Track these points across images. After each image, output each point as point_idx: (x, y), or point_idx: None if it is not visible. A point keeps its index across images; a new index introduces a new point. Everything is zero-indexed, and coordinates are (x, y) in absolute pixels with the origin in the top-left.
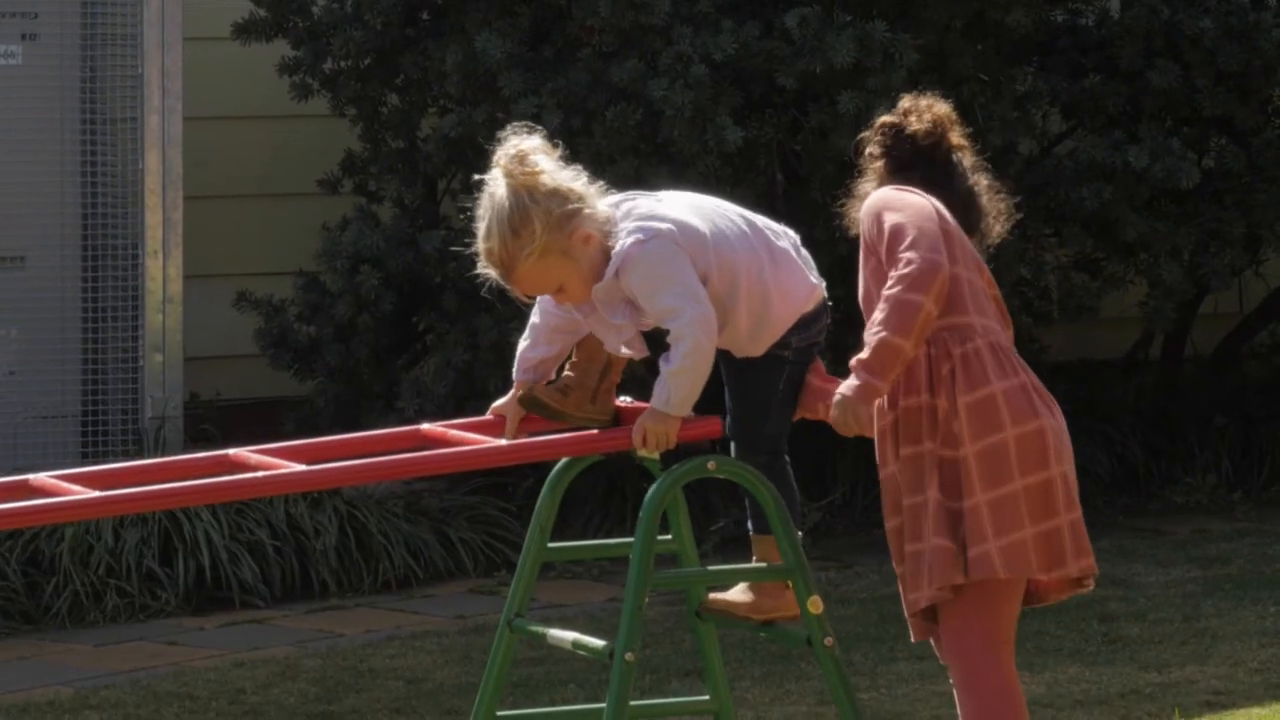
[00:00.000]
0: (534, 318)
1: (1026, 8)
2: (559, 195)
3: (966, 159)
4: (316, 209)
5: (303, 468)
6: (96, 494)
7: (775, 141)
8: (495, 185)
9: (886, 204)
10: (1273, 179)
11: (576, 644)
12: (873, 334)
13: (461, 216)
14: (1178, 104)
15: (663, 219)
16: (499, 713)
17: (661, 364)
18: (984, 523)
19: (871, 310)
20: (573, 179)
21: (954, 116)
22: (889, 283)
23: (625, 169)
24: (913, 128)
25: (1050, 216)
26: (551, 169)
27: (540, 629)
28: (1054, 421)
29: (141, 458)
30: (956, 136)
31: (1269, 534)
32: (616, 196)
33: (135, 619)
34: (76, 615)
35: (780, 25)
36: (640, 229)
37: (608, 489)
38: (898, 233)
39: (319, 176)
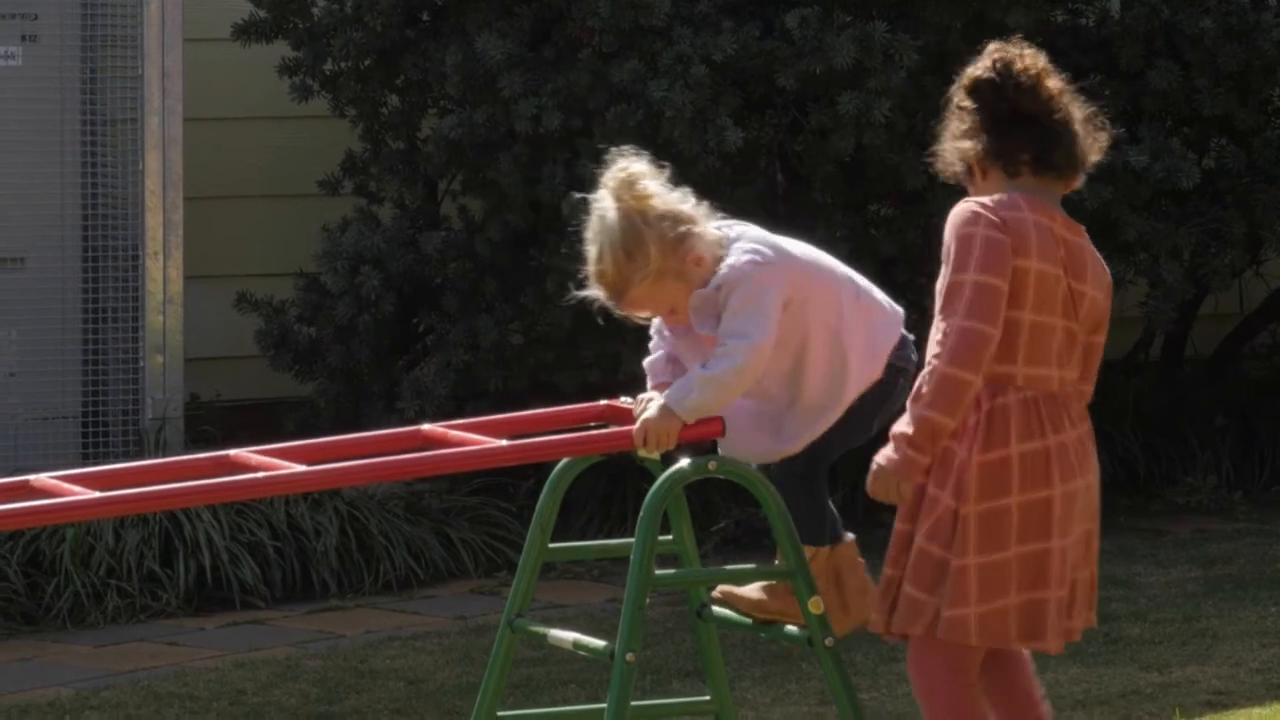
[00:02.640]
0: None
1: (1026, 8)
2: (671, 218)
3: (1064, 99)
4: (317, 210)
5: (303, 468)
6: (97, 495)
7: (776, 142)
8: (605, 209)
9: (959, 239)
10: (1273, 179)
11: (577, 644)
12: (918, 409)
13: (461, 217)
14: (1178, 104)
15: (775, 248)
16: (500, 713)
17: (698, 367)
18: (969, 586)
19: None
20: (681, 200)
21: (1047, 63)
22: (935, 348)
23: None
24: (1017, 70)
25: None
26: (661, 191)
27: (541, 629)
28: (1068, 488)
29: (142, 458)
30: (1054, 81)
31: (1269, 534)
32: (721, 220)
33: (136, 620)
34: (77, 616)
35: (780, 26)
36: (757, 251)
37: (609, 489)
38: (955, 291)
39: (319, 177)
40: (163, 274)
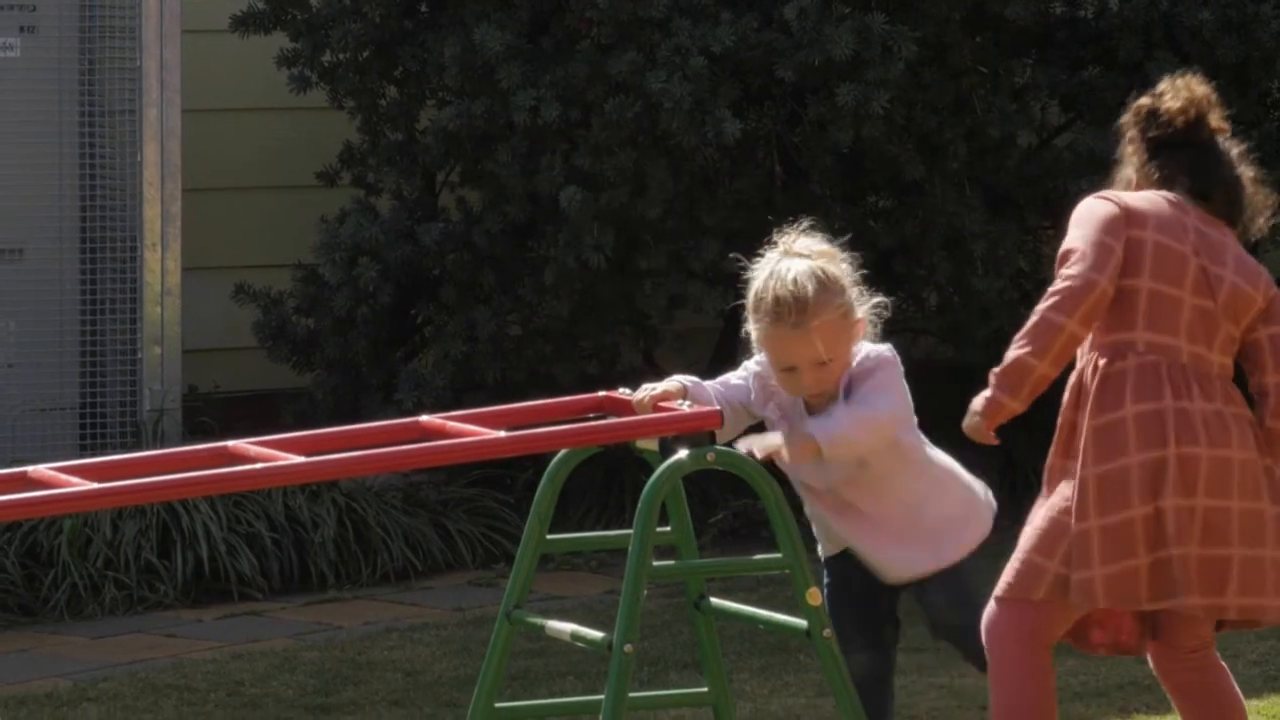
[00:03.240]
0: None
1: (1026, 1)
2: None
3: (1231, 146)
4: (315, 201)
5: (301, 460)
6: (95, 486)
7: (774, 134)
8: (801, 259)
9: (1075, 219)
10: (1272, 170)
11: (575, 636)
12: (1014, 348)
13: (459, 209)
14: None
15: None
16: (497, 704)
17: (846, 403)
18: (1093, 549)
19: None
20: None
21: (1213, 98)
22: (1045, 296)
23: (624, 161)
24: (1166, 106)
25: (1049, 208)
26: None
27: (539, 621)
28: (1186, 451)
29: (140, 450)
30: (1216, 119)
31: None
32: None
33: (133, 611)
34: (75, 607)
35: (779, 17)
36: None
37: (606, 481)
38: (1067, 254)
39: (317, 169)
40: (161, 265)
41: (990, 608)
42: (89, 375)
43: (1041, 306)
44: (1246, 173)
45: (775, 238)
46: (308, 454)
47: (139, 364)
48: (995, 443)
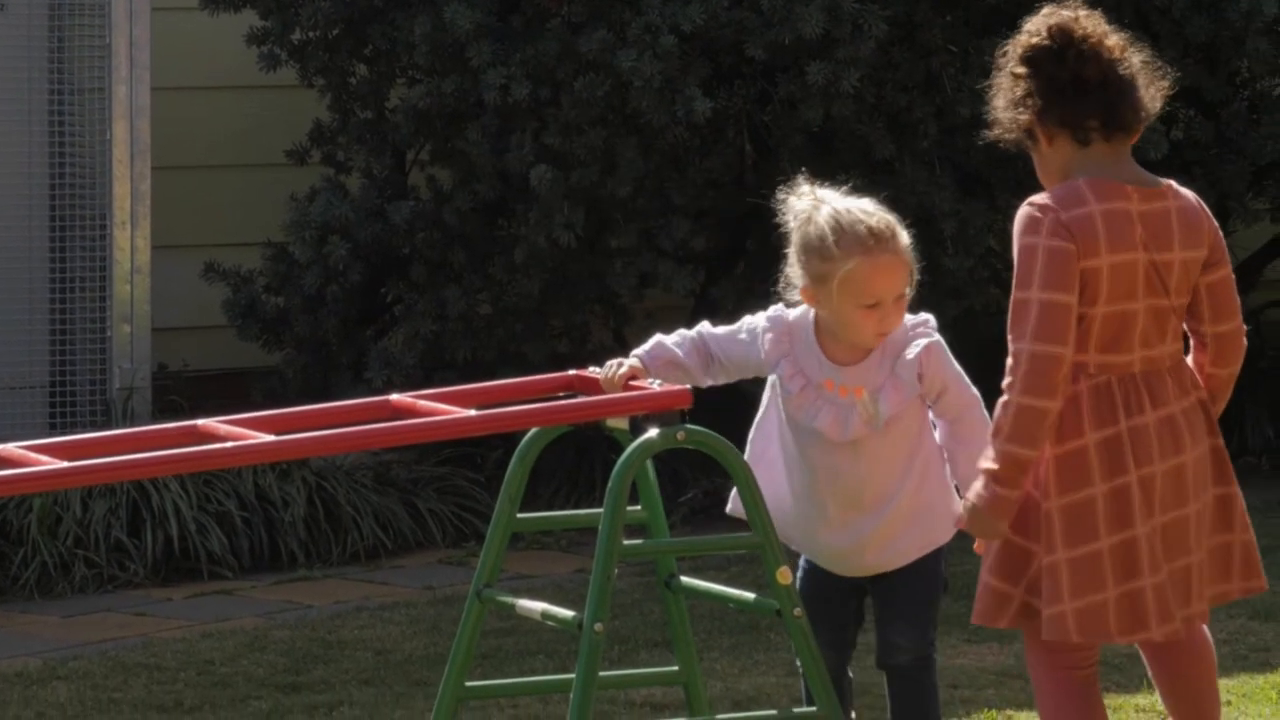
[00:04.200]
0: (704, 339)
1: None
2: None
3: (1124, 55)
4: (285, 180)
5: (271, 438)
6: (64, 464)
7: (744, 112)
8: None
9: (1024, 254)
10: (1241, 151)
11: (545, 615)
12: (999, 443)
13: (429, 187)
14: None
15: None
16: (468, 683)
17: (953, 429)
18: (1062, 582)
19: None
20: None
21: (1105, 26)
22: (1008, 375)
23: (594, 140)
24: (1072, 44)
25: (1019, 188)
26: None
27: (509, 599)
28: (1144, 472)
29: (109, 428)
30: (1113, 40)
31: None
32: None
33: (103, 590)
34: (45, 586)
35: None
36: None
37: (577, 460)
38: (1021, 311)
39: (287, 147)
40: (130, 243)
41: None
42: (58, 354)
43: (1015, 395)
44: (1138, 67)
45: (785, 192)
46: (277, 432)
47: (108, 342)
48: (1004, 538)
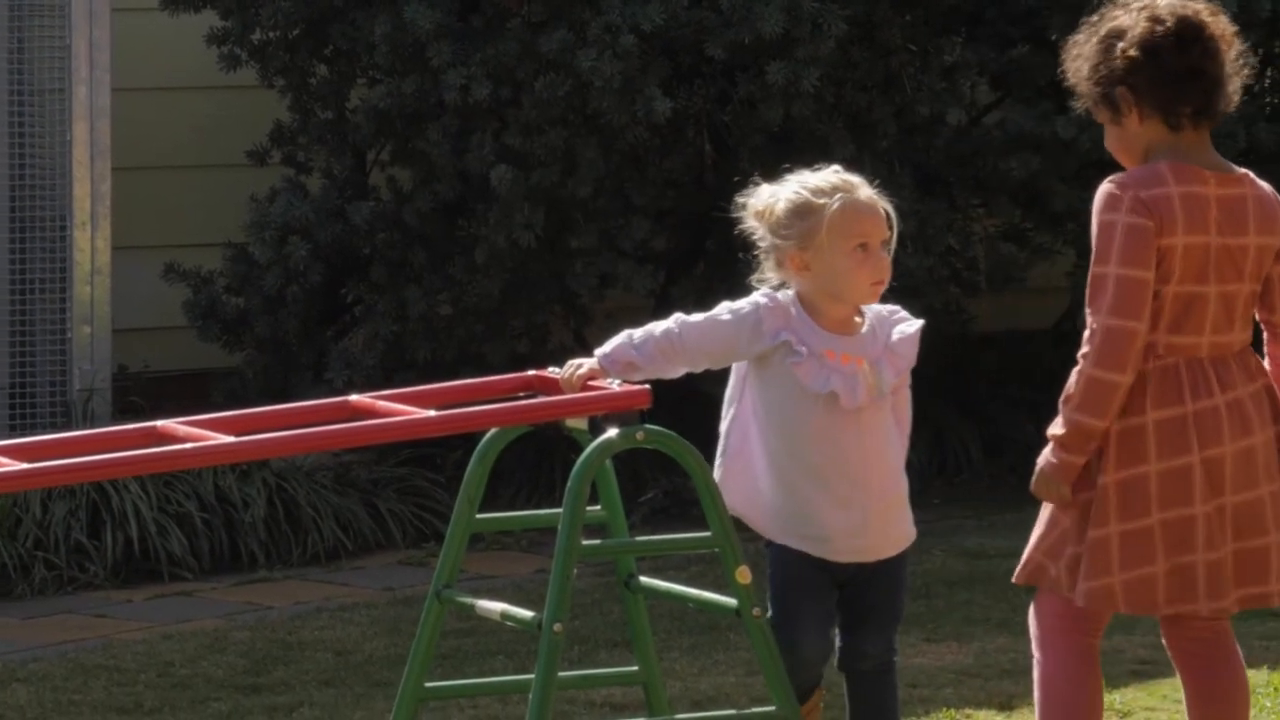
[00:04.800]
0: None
1: None
2: None
3: (1230, 50)
4: (245, 180)
5: (231, 439)
6: (24, 466)
7: (704, 112)
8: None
9: (1104, 229)
10: None
11: (505, 615)
12: (1068, 411)
13: (389, 188)
14: None
15: None
16: (428, 683)
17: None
18: (1111, 555)
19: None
20: None
21: (1228, 21)
22: (1084, 346)
23: (554, 140)
24: (1200, 40)
25: (978, 187)
26: None
27: (469, 600)
28: (1211, 454)
29: (70, 429)
30: (1232, 35)
31: None
32: None
33: (63, 592)
34: (4, 588)
35: None
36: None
37: (536, 460)
38: (1099, 285)
39: (247, 148)
40: (90, 244)
41: (1037, 595)
42: (18, 355)
43: (1088, 366)
44: (1233, 58)
45: (743, 196)
46: (237, 433)
47: (69, 343)
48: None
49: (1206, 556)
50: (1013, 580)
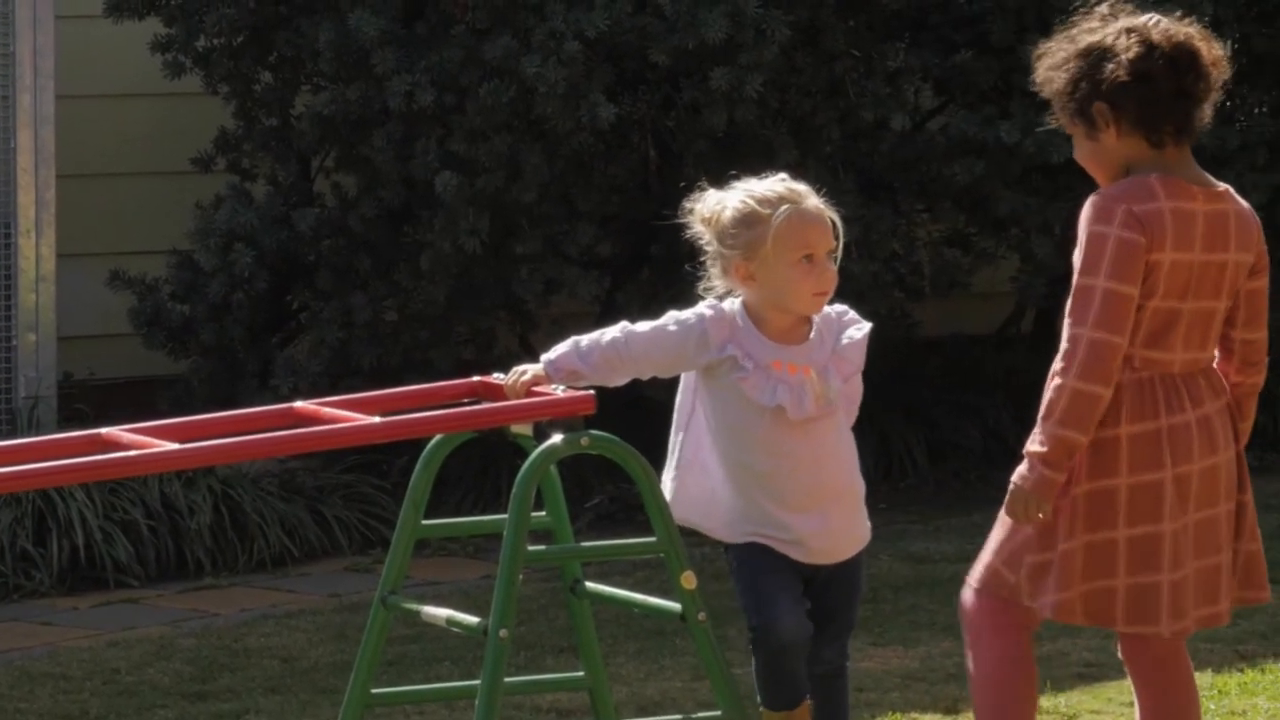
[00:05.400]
0: (632, 340)
1: None
2: None
3: (1218, 74)
4: (190, 187)
5: (176, 446)
6: None
7: (648, 118)
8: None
9: (1092, 241)
10: None
11: (450, 621)
12: (1050, 426)
13: (334, 194)
14: None
15: None
16: (374, 690)
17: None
18: (1075, 567)
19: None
20: None
21: (1219, 46)
22: (1061, 360)
23: (498, 146)
24: (1194, 67)
25: (922, 192)
26: None
27: (414, 606)
28: (1181, 470)
29: (15, 437)
30: (1220, 60)
31: None
32: None
33: (9, 600)
34: None
35: (653, 1)
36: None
37: (482, 466)
38: (1084, 296)
39: (192, 155)
40: (35, 252)
41: (968, 594)
42: None
43: (1070, 379)
44: (1218, 55)
45: (690, 202)
46: (182, 440)
47: (13, 351)
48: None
49: (1171, 576)
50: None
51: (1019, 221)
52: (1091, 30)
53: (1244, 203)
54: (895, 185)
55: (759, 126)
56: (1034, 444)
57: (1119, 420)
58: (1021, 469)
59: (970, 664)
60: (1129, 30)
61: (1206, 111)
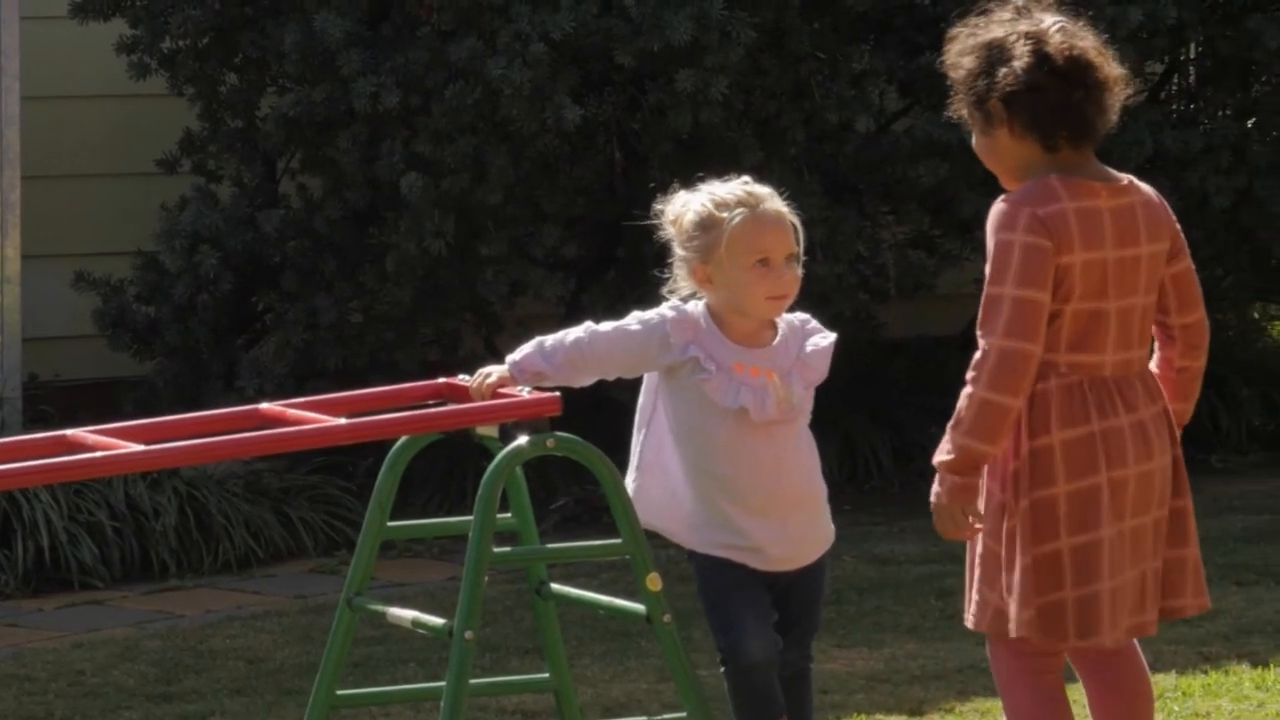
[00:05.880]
0: (592, 339)
1: None
2: None
3: (1113, 86)
4: (155, 189)
5: (141, 448)
6: None
7: (614, 120)
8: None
9: (1000, 249)
10: (1104, 156)
11: (416, 622)
12: (958, 436)
13: (300, 196)
14: None
15: None
16: (339, 691)
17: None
18: (1029, 581)
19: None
20: None
21: (1111, 57)
22: (972, 370)
23: (464, 148)
24: (1085, 79)
25: (887, 194)
26: None
27: (380, 608)
28: (1117, 474)
29: None
30: (1113, 69)
31: None
32: None
33: None
34: None
35: (618, 3)
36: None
37: (448, 468)
38: (993, 305)
39: (158, 156)
40: (0, 253)
41: (989, 647)
42: None
43: (980, 389)
44: (1114, 73)
45: (660, 203)
46: (148, 442)
47: None
48: (976, 530)
49: (1111, 584)
50: (970, 628)
51: (983, 223)
52: (1001, 22)
53: (1149, 190)
54: (860, 187)
55: (724, 128)
56: (941, 453)
57: (1049, 427)
58: (935, 485)
59: (1005, 710)
60: (1027, 35)
61: (1110, 118)
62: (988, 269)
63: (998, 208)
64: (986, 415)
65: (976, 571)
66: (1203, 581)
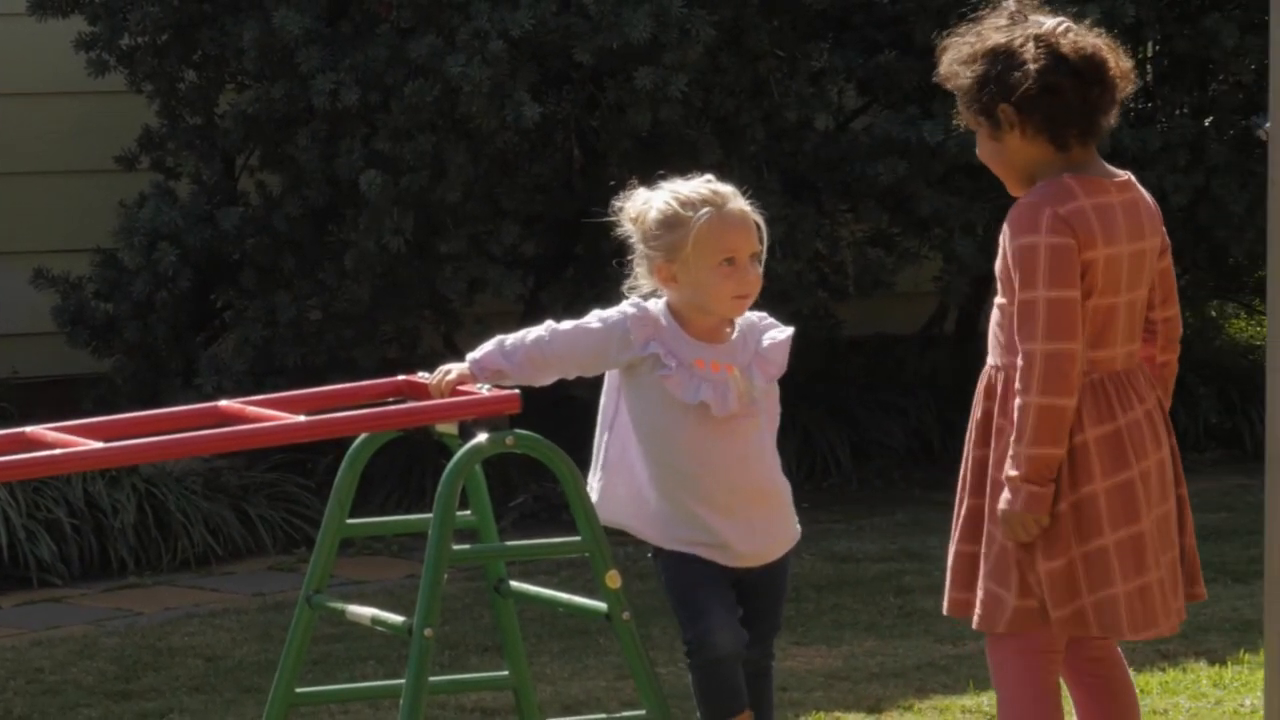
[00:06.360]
0: (555, 339)
1: None
2: None
3: (1126, 84)
4: (114, 186)
5: (100, 445)
6: None
7: (573, 117)
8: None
9: (1026, 251)
10: None
11: (375, 620)
12: (1023, 448)
13: (258, 193)
14: None
15: None
16: (298, 689)
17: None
18: (1079, 578)
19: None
20: None
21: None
22: (1019, 381)
23: (423, 145)
24: (1101, 80)
25: (846, 192)
26: None
27: (339, 605)
28: (1143, 466)
29: None
30: (1128, 70)
31: None
32: None
33: None
34: None
35: (577, 1)
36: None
37: (407, 465)
38: (1028, 311)
39: (116, 153)
40: None
41: (988, 643)
42: None
43: (1034, 397)
44: (1125, 67)
45: (619, 201)
46: (106, 439)
47: None
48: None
49: (1157, 575)
50: (976, 628)
51: (942, 221)
52: (999, 29)
53: (1142, 188)
54: (819, 185)
55: (683, 126)
56: (1010, 469)
57: (1082, 426)
58: (1005, 495)
59: (1000, 706)
60: (1037, 38)
61: (1113, 115)
62: (1015, 276)
63: (1015, 212)
64: (1045, 420)
65: (981, 569)
66: (1199, 570)
